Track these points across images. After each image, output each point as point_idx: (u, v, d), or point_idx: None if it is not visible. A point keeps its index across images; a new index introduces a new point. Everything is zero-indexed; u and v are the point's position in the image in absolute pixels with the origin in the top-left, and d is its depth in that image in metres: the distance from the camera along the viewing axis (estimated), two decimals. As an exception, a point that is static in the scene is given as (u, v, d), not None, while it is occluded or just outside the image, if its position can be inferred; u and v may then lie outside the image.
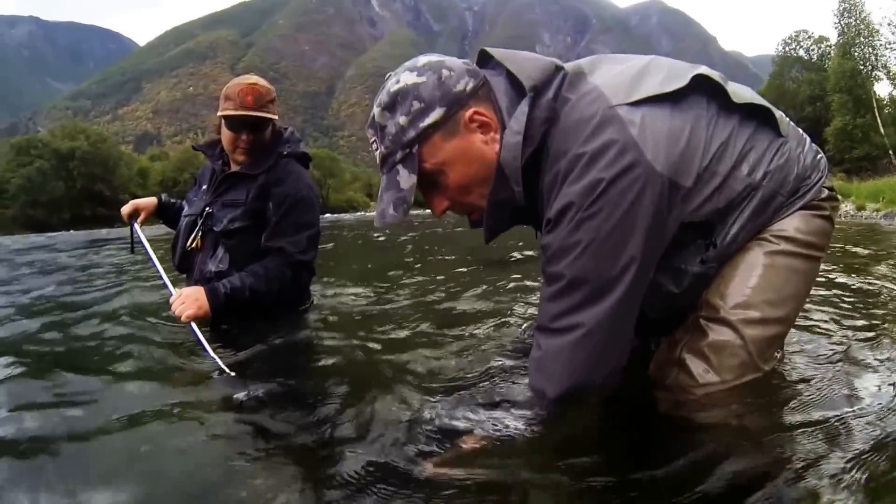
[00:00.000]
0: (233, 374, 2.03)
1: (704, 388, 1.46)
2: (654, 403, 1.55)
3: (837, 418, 1.39)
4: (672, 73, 1.37)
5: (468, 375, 1.74)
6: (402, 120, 1.30)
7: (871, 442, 1.28)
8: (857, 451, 1.23)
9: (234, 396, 1.87)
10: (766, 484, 1.16)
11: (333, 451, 1.47)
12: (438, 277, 4.33)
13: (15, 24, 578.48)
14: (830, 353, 1.88)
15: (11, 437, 1.59)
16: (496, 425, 1.45)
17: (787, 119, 1.48)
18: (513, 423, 1.44)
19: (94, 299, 3.83)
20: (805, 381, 1.63)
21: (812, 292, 2.07)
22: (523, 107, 1.30)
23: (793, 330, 1.92)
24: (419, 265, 5.28)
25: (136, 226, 2.87)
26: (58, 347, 2.58)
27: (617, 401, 1.49)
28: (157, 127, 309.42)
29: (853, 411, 1.43)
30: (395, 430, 1.49)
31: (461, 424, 1.48)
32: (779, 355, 1.56)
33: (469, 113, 1.30)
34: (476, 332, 2.37)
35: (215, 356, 2.12)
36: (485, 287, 3.57)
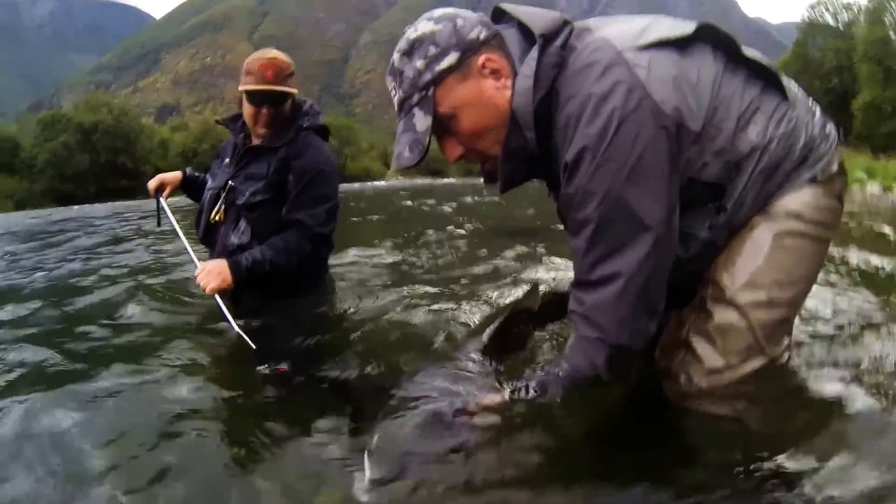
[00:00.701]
0: (254, 345, 2.11)
1: (710, 372, 1.46)
2: (660, 385, 1.55)
3: (846, 410, 1.40)
4: (678, 23, 1.40)
5: (488, 344, 1.70)
6: (419, 64, 1.35)
7: (879, 433, 1.30)
8: (865, 445, 1.23)
9: (256, 368, 1.95)
10: (767, 480, 1.17)
11: (352, 418, 1.55)
12: (459, 247, 4.45)
13: (36, 2, 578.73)
14: (845, 338, 1.86)
15: (35, 404, 1.69)
16: (516, 388, 1.45)
17: (797, 86, 1.46)
18: (527, 388, 1.44)
19: (120, 272, 4.04)
20: (816, 369, 1.63)
21: (832, 276, 2.21)
22: (533, 53, 1.31)
23: (808, 312, 1.99)
24: (440, 234, 5.32)
25: (162, 200, 2.90)
26: (85, 320, 2.76)
27: (624, 381, 1.50)
28: (177, 98, 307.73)
29: (863, 404, 1.42)
30: (411, 395, 1.50)
31: (479, 384, 1.52)
32: (787, 341, 1.52)
33: (482, 59, 1.34)
34: (498, 299, 2.46)
35: (237, 327, 2.22)
36: (506, 255, 3.64)
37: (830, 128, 1.44)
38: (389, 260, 3.92)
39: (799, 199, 1.39)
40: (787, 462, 1.21)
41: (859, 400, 1.43)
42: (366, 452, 1.28)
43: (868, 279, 2.64)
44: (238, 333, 2.18)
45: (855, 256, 3.09)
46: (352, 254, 4.07)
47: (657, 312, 1.36)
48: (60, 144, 46.26)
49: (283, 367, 1.94)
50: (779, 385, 1.47)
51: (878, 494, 1.06)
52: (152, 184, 2.94)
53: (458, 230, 5.49)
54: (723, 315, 1.43)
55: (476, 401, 1.41)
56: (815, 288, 1.54)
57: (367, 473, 1.24)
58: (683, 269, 1.44)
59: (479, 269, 3.32)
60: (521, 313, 1.88)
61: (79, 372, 1.99)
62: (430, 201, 11.73)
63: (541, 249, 3.63)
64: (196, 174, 3.03)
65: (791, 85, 1.43)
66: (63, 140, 46.53)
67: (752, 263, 1.41)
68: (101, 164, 47.24)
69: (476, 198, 10.03)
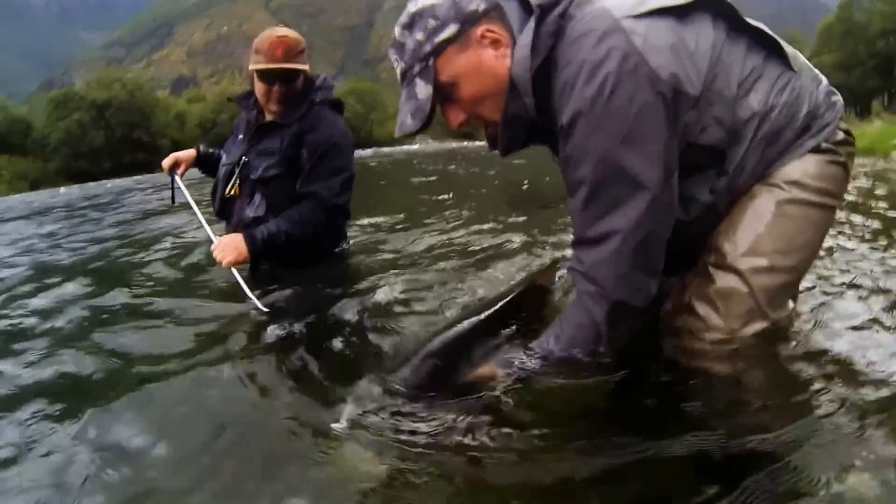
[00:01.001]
0: (268, 312, 2.24)
1: (712, 334, 1.51)
2: (663, 348, 1.62)
3: (848, 376, 1.41)
4: None
5: (503, 311, 1.77)
6: (419, 36, 1.42)
7: (879, 398, 1.30)
8: (864, 409, 1.26)
9: (271, 334, 2.07)
10: (764, 444, 1.22)
11: (362, 382, 1.57)
12: (478, 214, 4.41)
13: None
14: (851, 306, 1.85)
15: (58, 370, 1.90)
16: (514, 358, 1.53)
17: (801, 56, 1.51)
18: (528, 357, 1.51)
19: (139, 248, 4.24)
20: (818, 333, 1.65)
21: (849, 240, 2.26)
22: (531, 22, 1.38)
23: (816, 281, 2.05)
24: (460, 202, 5.32)
25: (177, 177, 2.98)
26: (106, 293, 2.86)
27: (626, 347, 1.53)
28: (193, 69, 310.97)
29: (866, 370, 1.43)
30: (419, 362, 1.57)
31: (481, 355, 1.58)
32: (791, 305, 1.59)
33: (481, 30, 1.40)
34: (516, 273, 2.45)
35: (254, 297, 2.31)
36: (531, 226, 3.63)
37: (836, 98, 1.49)
38: (412, 227, 4.01)
39: (801, 168, 1.44)
40: (789, 424, 1.26)
41: (864, 361, 1.47)
42: (350, 398, 1.48)
43: (886, 243, 2.65)
44: (253, 302, 2.30)
45: (879, 221, 3.11)
46: (374, 221, 4.26)
47: (656, 272, 1.42)
48: (74, 122, 46.59)
49: (295, 332, 2.09)
50: (782, 348, 1.53)
51: (883, 457, 1.11)
52: (166, 162, 3.01)
53: (486, 196, 5.66)
54: (724, 280, 1.49)
55: (472, 372, 1.50)
56: (832, 251, 1.97)
57: (343, 415, 1.41)
58: (686, 232, 1.49)
59: (502, 240, 3.34)
60: (536, 289, 1.95)
61: (102, 343, 2.12)
62: (460, 165, 12.08)
63: (566, 221, 3.55)
64: (210, 151, 3.13)
65: (796, 54, 1.49)
66: (76, 118, 46.86)
67: (754, 231, 1.47)
68: (116, 140, 47.59)
69: (506, 161, 9.61)
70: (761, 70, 1.44)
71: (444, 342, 1.66)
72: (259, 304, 2.29)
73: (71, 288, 3.06)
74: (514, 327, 1.74)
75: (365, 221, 4.24)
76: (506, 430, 1.35)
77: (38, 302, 2.83)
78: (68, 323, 2.40)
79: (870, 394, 1.32)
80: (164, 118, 52.16)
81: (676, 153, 1.37)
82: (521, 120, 1.48)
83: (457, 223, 4.14)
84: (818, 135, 1.44)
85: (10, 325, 2.49)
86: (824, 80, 1.52)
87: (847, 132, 1.49)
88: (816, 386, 1.40)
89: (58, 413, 1.60)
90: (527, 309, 1.85)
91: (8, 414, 1.63)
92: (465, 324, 1.73)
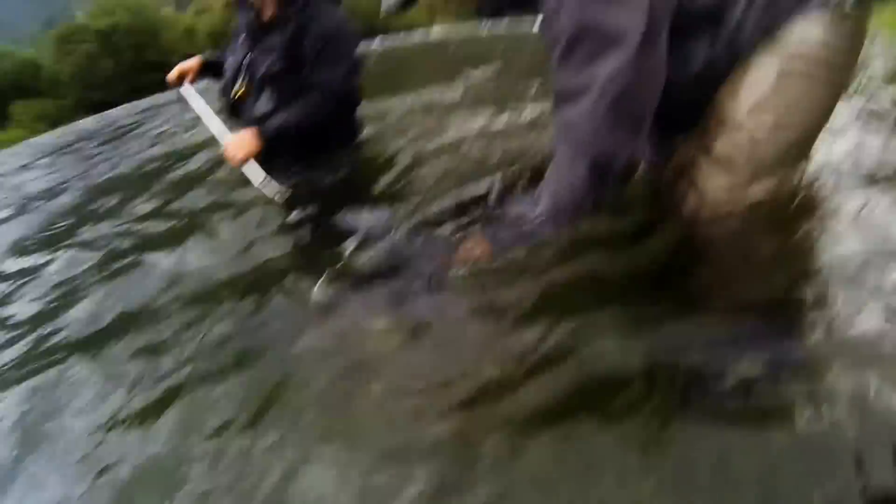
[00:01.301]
0: (278, 199, 2.56)
1: (717, 192, 1.55)
2: (664, 210, 1.69)
3: (848, 259, 1.43)
4: None
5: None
6: None
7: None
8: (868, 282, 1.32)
9: (278, 221, 2.50)
10: (761, 327, 1.26)
11: (347, 255, 1.85)
12: (497, 109, 4.22)
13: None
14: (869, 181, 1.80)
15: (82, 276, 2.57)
16: (495, 229, 1.63)
17: None
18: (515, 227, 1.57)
19: (157, 168, 4.67)
20: (829, 203, 1.64)
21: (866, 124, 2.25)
22: None
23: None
24: (480, 96, 5.15)
25: (186, 87, 3.04)
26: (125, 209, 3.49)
27: (627, 207, 1.66)
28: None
29: (870, 256, 1.43)
30: (418, 238, 1.81)
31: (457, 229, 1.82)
32: (801, 164, 1.60)
33: None
34: (515, 161, 2.55)
35: (261, 185, 2.59)
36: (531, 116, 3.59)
37: None
38: (423, 119, 4.02)
39: (806, 31, 1.40)
40: (788, 299, 1.31)
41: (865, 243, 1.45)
42: (325, 272, 1.71)
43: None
44: (263, 192, 2.53)
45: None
46: (389, 108, 4.35)
47: (639, 129, 1.40)
48: (82, 55, 46.47)
49: (303, 217, 2.36)
50: (790, 211, 1.53)
51: (877, 339, 1.15)
52: (172, 75, 3.07)
53: (498, 89, 5.50)
54: (729, 136, 1.49)
55: (463, 252, 1.58)
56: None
57: (314, 291, 1.64)
58: (688, 94, 1.49)
59: (507, 132, 3.35)
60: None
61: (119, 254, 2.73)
62: (477, 54, 11.29)
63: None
64: (216, 56, 3.15)
65: None
66: (84, 50, 46.75)
67: (758, 90, 1.44)
68: (127, 65, 47.55)
69: (524, 49, 9.01)
70: None
71: (420, 219, 1.87)
72: (265, 190, 2.51)
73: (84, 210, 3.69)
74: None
75: (383, 106, 4.40)
76: (484, 303, 1.45)
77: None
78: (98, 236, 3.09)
79: (859, 280, 1.32)
80: (172, 35, 51.53)
81: (663, 11, 1.32)
82: None
83: (473, 116, 4.04)
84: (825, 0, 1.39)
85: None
86: None
87: (861, 3, 1.40)
88: (817, 266, 1.44)
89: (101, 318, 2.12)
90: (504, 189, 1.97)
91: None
92: (447, 202, 1.91)
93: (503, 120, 3.77)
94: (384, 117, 4.14)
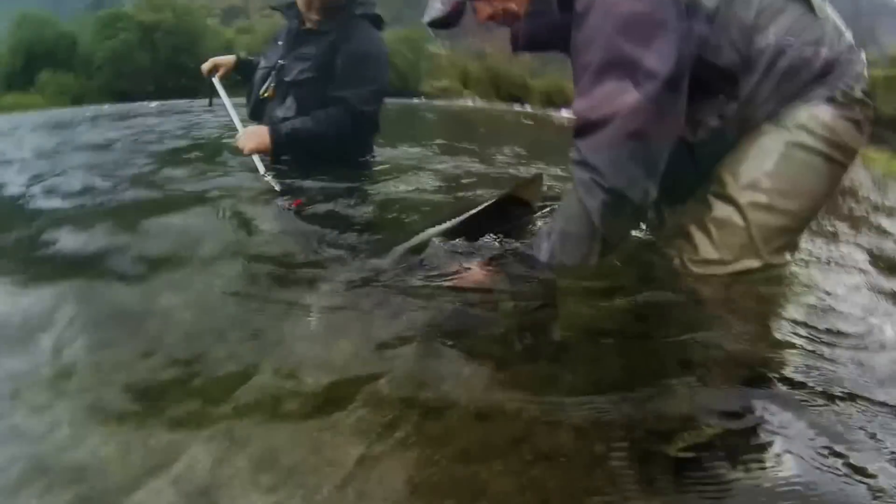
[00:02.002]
0: (278, 188, 2.60)
1: (704, 263, 1.62)
2: (656, 269, 1.73)
3: (820, 338, 1.48)
4: None
5: (481, 215, 1.95)
6: None
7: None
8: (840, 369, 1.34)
9: (277, 202, 2.47)
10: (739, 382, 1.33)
11: (344, 265, 1.90)
12: (513, 156, 5.00)
13: None
14: (853, 269, 2.00)
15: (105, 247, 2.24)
16: (502, 257, 1.68)
17: (830, 8, 1.53)
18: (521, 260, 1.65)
19: (173, 154, 4.58)
20: (811, 291, 1.73)
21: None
22: None
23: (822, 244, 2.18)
24: (496, 150, 5.66)
25: (216, 79, 3.34)
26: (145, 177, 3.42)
27: (624, 263, 1.68)
28: (245, 1, 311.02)
29: (849, 334, 1.52)
30: (423, 256, 1.76)
31: (481, 252, 1.72)
32: (788, 255, 1.66)
33: None
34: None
35: (266, 174, 2.70)
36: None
37: (859, 56, 1.55)
38: (437, 163, 4.25)
39: (813, 114, 1.49)
40: (757, 367, 1.36)
41: (845, 327, 1.54)
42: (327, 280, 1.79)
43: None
44: (266, 180, 2.68)
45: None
46: (403, 151, 4.56)
47: (654, 171, 1.46)
48: (120, 42, 46.75)
49: (300, 200, 2.52)
50: (771, 292, 1.62)
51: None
52: (206, 66, 3.32)
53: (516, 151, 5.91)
54: (721, 210, 1.59)
55: (468, 275, 1.62)
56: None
57: (317, 298, 1.69)
58: (691, 159, 1.62)
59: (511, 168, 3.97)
60: (515, 200, 2.07)
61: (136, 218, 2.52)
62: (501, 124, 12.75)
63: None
64: (250, 57, 3.45)
65: (822, 4, 1.55)
66: (123, 38, 47.07)
67: (757, 167, 1.54)
68: (161, 63, 47.64)
69: (549, 134, 10.51)
70: (783, 7, 1.50)
71: (428, 235, 1.83)
72: (269, 178, 2.69)
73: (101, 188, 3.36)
74: (494, 231, 1.87)
75: (396, 148, 4.57)
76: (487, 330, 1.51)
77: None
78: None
79: (835, 365, 1.37)
80: (212, 45, 50.51)
81: (687, 59, 1.42)
82: (543, 16, 1.56)
83: (484, 162, 4.52)
84: (835, 85, 1.48)
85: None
86: (848, 34, 1.56)
87: (866, 93, 1.54)
88: (790, 337, 1.50)
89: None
90: (508, 213, 2.00)
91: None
92: (448, 224, 1.89)
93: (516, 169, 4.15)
94: (396, 158, 4.19)
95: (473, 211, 1.91)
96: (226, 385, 1.33)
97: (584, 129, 1.48)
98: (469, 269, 1.67)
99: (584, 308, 1.58)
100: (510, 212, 2.01)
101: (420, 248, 1.82)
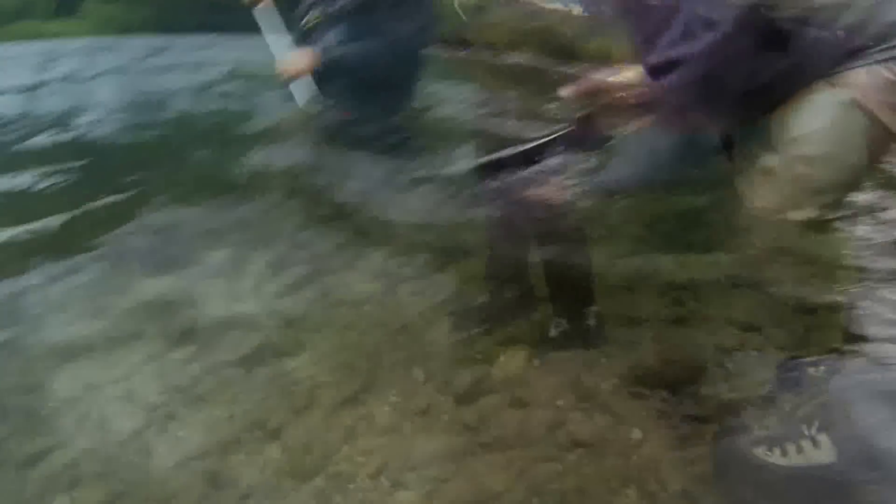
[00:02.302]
0: (321, 110, 2.63)
1: (757, 208, 1.63)
2: (717, 205, 1.81)
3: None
4: None
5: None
6: None
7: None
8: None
9: (323, 117, 2.52)
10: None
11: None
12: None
13: None
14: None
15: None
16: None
17: None
18: None
19: (215, 86, 4.95)
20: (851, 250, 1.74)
21: None
22: None
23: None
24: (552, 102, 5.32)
25: (262, 7, 3.09)
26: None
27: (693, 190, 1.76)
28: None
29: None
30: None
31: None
32: (834, 213, 1.65)
33: None
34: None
35: (305, 106, 2.69)
36: None
37: None
38: (485, 105, 3.92)
39: (867, 76, 1.45)
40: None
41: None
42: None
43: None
44: (313, 90, 2.72)
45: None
46: (449, 93, 4.29)
47: (725, 100, 1.54)
48: None
49: (349, 112, 2.56)
50: (810, 245, 1.59)
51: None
52: None
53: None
54: (767, 159, 1.59)
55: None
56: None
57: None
58: (747, 109, 1.62)
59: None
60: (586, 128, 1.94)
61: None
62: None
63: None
64: None
65: None
66: None
67: (806, 121, 1.52)
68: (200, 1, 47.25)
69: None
70: None
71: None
72: (316, 108, 2.69)
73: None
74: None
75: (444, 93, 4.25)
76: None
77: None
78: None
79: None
80: None
81: (755, 10, 1.44)
82: None
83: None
84: (891, 51, 1.44)
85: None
86: None
87: None
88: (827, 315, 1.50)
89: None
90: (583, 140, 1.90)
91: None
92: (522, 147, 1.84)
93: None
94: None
95: (546, 137, 1.81)
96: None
97: (652, 72, 1.55)
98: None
99: (630, 260, 1.62)
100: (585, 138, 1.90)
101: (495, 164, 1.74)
